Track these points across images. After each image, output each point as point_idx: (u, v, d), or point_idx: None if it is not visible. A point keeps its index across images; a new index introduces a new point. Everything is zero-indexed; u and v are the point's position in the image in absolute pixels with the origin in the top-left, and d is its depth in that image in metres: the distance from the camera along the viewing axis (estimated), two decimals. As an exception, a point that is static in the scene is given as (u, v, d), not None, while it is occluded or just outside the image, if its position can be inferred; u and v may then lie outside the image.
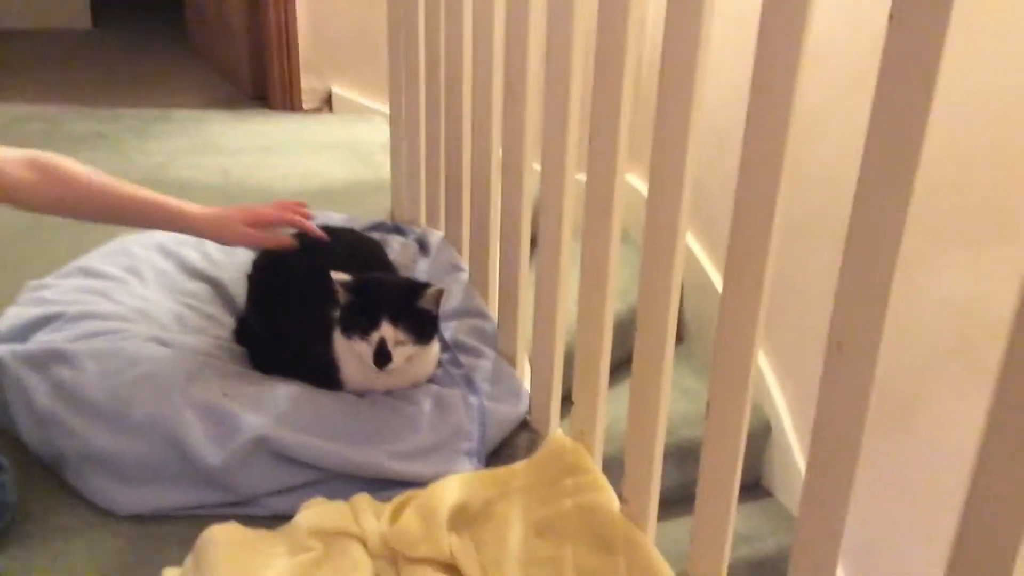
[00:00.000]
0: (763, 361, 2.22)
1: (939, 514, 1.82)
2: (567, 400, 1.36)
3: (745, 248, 0.88)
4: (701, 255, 2.36)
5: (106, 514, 1.20)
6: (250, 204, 1.43)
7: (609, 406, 1.28)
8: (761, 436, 2.20)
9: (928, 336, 1.70)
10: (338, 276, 1.32)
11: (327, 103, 3.14)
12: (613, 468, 1.23)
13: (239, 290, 1.59)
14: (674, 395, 1.14)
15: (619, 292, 1.23)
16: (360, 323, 1.29)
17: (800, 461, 2.16)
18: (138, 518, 1.20)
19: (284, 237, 1.41)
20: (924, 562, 1.79)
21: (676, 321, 1.08)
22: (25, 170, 1.28)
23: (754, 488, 2.27)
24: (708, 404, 0.98)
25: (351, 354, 1.33)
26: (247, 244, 1.41)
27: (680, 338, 2.41)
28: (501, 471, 1.27)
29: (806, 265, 1.89)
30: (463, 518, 1.17)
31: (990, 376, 0.62)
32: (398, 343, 1.29)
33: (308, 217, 1.44)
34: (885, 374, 0.72)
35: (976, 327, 1.62)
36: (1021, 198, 1.51)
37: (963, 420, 1.66)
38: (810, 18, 0.78)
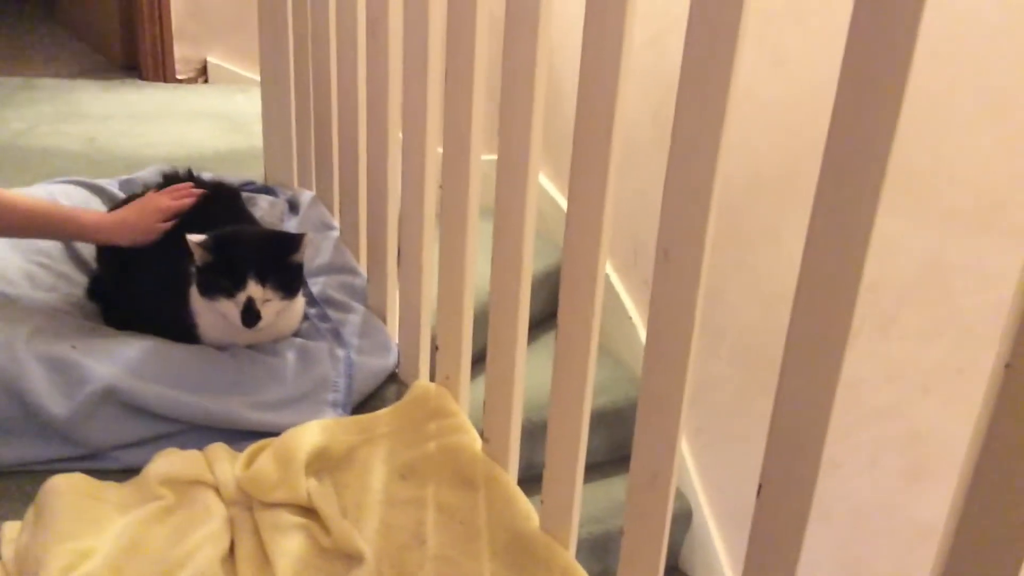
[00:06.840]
0: (685, 449, 2.22)
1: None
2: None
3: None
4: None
5: (-55, 470, 1.14)
6: (147, 197, 1.40)
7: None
8: (682, 521, 2.20)
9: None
10: (193, 237, 1.24)
11: (203, 73, 3.05)
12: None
13: (94, 250, 1.53)
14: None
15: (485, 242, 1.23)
16: (223, 283, 1.23)
17: (720, 546, 2.18)
18: (-21, 474, 1.14)
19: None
20: None
21: (531, 255, 1.09)
22: None
23: (672, 573, 2.24)
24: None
25: (211, 311, 1.28)
26: (154, 237, 1.37)
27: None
28: (365, 418, 1.26)
29: (718, 353, 1.95)
30: (323, 463, 1.16)
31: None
32: (266, 300, 1.25)
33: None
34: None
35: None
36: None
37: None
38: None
